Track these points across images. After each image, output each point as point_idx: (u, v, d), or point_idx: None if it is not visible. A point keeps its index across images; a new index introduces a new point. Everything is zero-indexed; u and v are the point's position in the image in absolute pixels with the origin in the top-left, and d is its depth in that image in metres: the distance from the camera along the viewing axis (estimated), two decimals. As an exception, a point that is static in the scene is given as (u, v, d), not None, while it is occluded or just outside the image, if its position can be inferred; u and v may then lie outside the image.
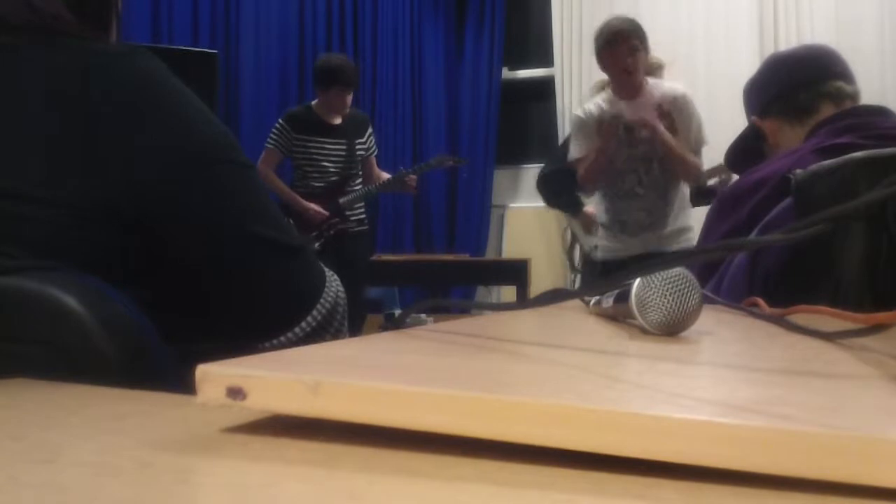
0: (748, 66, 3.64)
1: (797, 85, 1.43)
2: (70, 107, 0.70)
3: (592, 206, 3.25)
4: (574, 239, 3.48)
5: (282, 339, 0.78)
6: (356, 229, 3.79)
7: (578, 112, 2.93)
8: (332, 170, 3.70)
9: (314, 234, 3.61)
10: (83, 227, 0.70)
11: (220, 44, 4.85)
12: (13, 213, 0.68)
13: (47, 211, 0.69)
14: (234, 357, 0.35)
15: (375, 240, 5.32)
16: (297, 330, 0.78)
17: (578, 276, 3.53)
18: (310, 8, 5.41)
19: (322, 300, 0.80)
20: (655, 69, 3.07)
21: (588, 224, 3.35)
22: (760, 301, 0.81)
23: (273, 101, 5.14)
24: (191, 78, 0.77)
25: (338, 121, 3.70)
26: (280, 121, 3.71)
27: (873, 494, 0.25)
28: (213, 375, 0.33)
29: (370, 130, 3.85)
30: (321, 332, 0.80)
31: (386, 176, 3.90)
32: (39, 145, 0.70)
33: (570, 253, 3.62)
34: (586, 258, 3.40)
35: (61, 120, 0.70)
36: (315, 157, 3.68)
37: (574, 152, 2.88)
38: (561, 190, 3.33)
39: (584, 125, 2.84)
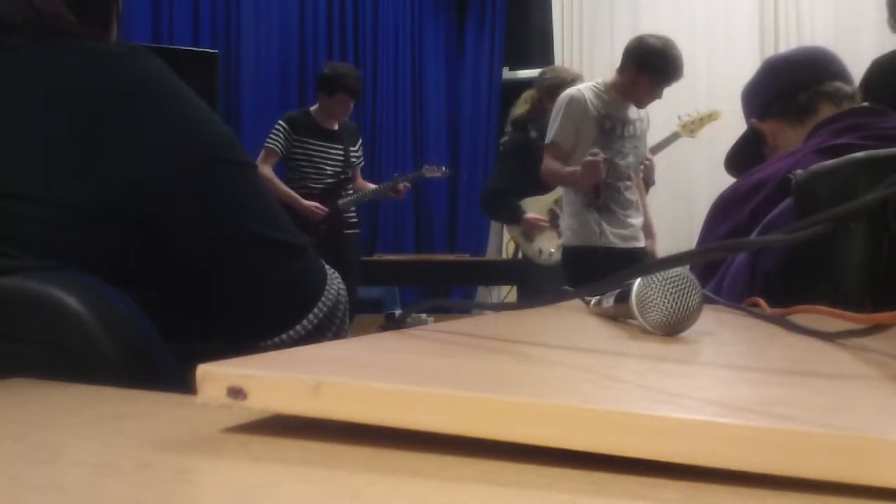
0: (748, 66, 3.63)
1: (797, 85, 1.43)
2: (70, 107, 0.70)
3: (532, 212, 3.49)
4: (517, 247, 3.74)
5: (283, 337, 0.78)
6: (350, 231, 3.95)
7: (573, 91, 2.89)
8: (329, 172, 3.85)
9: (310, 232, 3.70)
10: (83, 227, 0.70)
11: (220, 44, 4.84)
12: (13, 213, 0.68)
13: (47, 211, 0.69)
14: (234, 357, 0.35)
15: (373, 240, 5.36)
16: (298, 328, 0.78)
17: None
18: (310, 8, 5.40)
19: (323, 298, 0.80)
20: (571, 81, 3.21)
21: (529, 231, 3.52)
22: (761, 301, 0.81)
23: (273, 101, 5.15)
24: (191, 78, 0.77)
25: (335, 127, 3.86)
26: (280, 122, 3.84)
27: (873, 494, 0.25)
28: (214, 375, 0.33)
29: (360, 141, 4.05)
30: (323, 331, 0.80)
31: (371, 186, 4.09)
32: (39, 145, 0.70)
33: (514, 259, 3.86)
34: (529, 262, 3.60)
35: (61, 120, 0.70)
36: (315, 158, 3.82)
37: (557, 134, 2.85)
38: (500, 206, 3.65)
39: (577, 106, 2.83)
